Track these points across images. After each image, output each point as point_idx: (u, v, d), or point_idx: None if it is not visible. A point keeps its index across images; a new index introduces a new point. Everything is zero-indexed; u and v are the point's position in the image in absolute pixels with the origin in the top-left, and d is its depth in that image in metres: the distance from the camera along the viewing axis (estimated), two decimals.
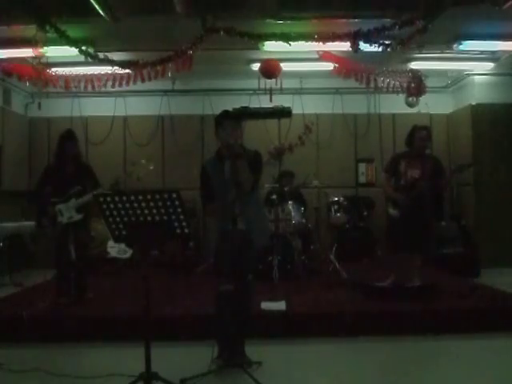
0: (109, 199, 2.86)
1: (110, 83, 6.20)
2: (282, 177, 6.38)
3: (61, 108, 7.83)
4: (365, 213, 7.53)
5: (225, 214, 3.32)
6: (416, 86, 6.46)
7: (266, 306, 4.32)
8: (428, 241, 5.01)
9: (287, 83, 7.09)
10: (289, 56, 6.27)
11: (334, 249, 6.44)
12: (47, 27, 5.17)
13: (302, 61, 6.73)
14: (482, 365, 3.53)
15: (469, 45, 6.04)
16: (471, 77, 7.56)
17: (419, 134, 4.84)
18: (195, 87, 7.83)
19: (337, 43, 5.43)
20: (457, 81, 7.95)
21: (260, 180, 3.50)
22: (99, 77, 6.25)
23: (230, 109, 3.46)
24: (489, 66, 7.11)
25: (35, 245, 6.77)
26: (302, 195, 6.81)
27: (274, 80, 6.53)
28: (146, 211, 2.84)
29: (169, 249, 7.14)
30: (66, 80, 6.34)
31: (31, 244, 6.80)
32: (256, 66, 6.55)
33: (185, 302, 4.63)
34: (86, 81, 6.32)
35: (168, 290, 5.10)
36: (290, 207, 6.13)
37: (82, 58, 5.67)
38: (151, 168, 5.29)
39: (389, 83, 6.49)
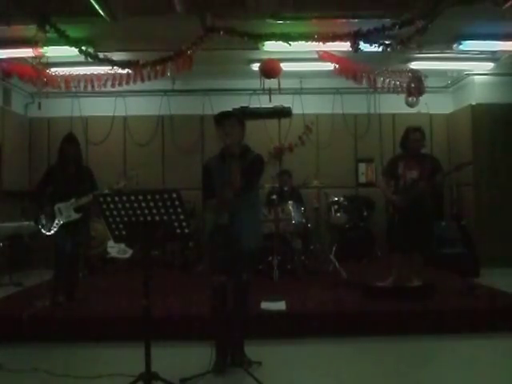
0: (109, 199, 2.87)
1: (109, 83, 6.20)
2: (280, 176, 6.40)
3: (61, 108, 7.83)
4: (365, 213, 7.53)
5: (219, 210, 3.31)
6: (416, 86, 6.45)
7: (265, 305, 4.31)
8: (428, 241, 5.01)
9: (287, 83, 7.08)
10: (289, 56, 6.26)
11: (333, 249, 6.44)
12: (47, 27, 5.18)
13: (302, 61, 6.73)
14: (482, 365, 3.53)
15: (469, 45, 6.04)
16: (471, 77, 7.56)
17: (413, 136, 4.86)
18: (195, 87, 7.84)
19: (337, 43, 5.43)
20: (457, 81, 7.95)
21: (257, 183, 3.48)
22: (99, 77, 6.25)
23: (230, 109, 3.45)
24: (489, 66, 7.11)
25: (35, 244, 6.75)
26: (301, 195, 6.81)
27: (274, 80, 6.53)
28: (146, 211, 2.84)
29: (169, 249, 7.16)
30: (66, 80, 6.33)
31: (31, 244, 6.79)
32: (256, 66, 6.54)
33: (185, 302, 4.62)
34: (86, 81, 6.31)
35: (168, 290, 5.09)
36: (290, 207, 6.12)
37: (82, 58, 5.67)
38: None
39: (389, 83, 6.49)
